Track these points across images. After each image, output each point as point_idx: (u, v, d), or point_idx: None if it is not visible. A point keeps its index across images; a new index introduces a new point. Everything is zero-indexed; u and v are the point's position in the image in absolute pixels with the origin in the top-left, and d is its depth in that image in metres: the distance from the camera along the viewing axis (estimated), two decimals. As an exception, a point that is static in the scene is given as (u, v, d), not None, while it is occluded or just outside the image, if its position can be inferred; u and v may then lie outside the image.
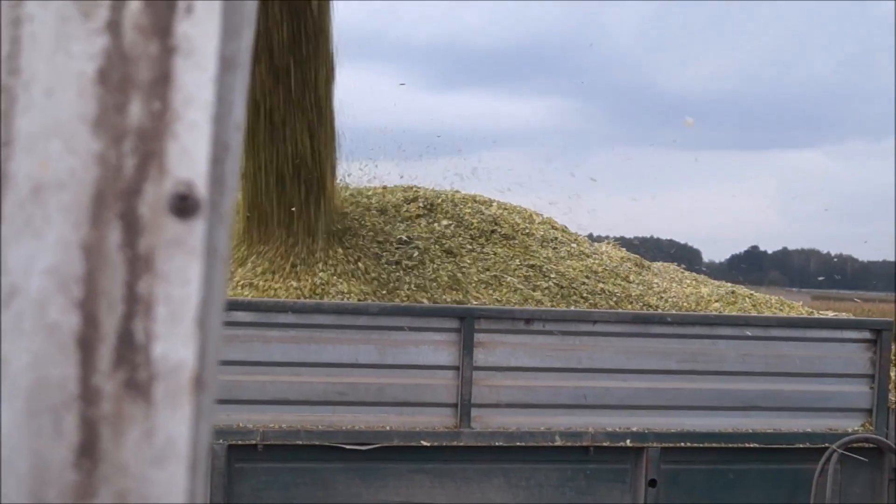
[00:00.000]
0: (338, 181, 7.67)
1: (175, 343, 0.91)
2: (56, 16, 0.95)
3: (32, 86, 0.94)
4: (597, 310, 6.99)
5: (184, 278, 0.92)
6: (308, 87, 7.07)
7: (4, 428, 0.91)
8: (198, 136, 0.94)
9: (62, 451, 0.90)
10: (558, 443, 5.89)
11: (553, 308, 7.01)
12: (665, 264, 9.06)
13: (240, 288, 6.94)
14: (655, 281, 8.21)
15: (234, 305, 5.49)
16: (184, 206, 0.92)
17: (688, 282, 8.55)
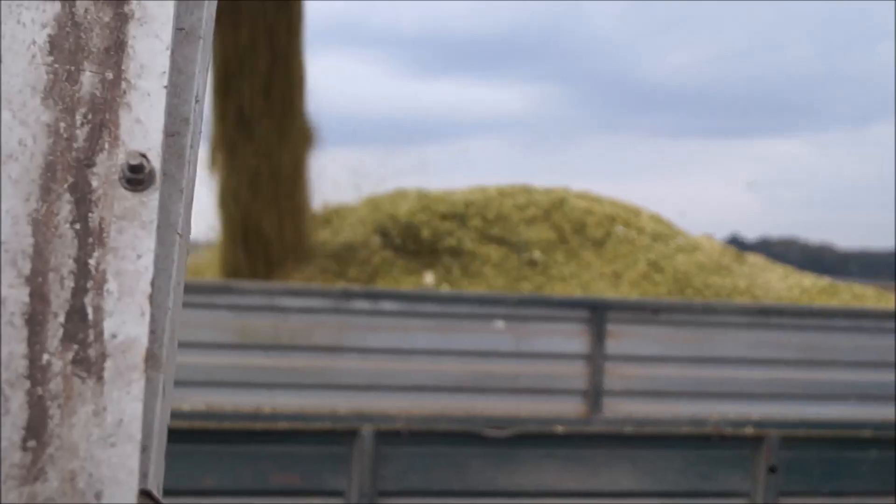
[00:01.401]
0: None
1: (126, 320, 0.89)
2: None
3: None
4: (720, 301, 7.17)
5: (136, 252, 0.90)
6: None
7: None
8: (152, 106, 0.91)
9: (9, 430, 0.86)
10: (683, 430, 6.06)
11: (680, 300, 7.20)
12: (755, 255, 9.21)
13: None
14: (754, 273, 8.37)
15: (380, 295, 5.69)
16: (136, 178, 0.90)
17: (779, 272, 8.70)
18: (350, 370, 5.58)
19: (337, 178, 8.12)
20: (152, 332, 0.90)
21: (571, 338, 5.90)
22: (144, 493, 0.90)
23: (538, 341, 5.86)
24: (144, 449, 0.89)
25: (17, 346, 0.87)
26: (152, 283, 0.89)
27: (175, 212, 0.94)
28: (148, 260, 0.89)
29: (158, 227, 0.91)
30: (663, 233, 8.31)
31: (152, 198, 0.90)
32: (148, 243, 0.89)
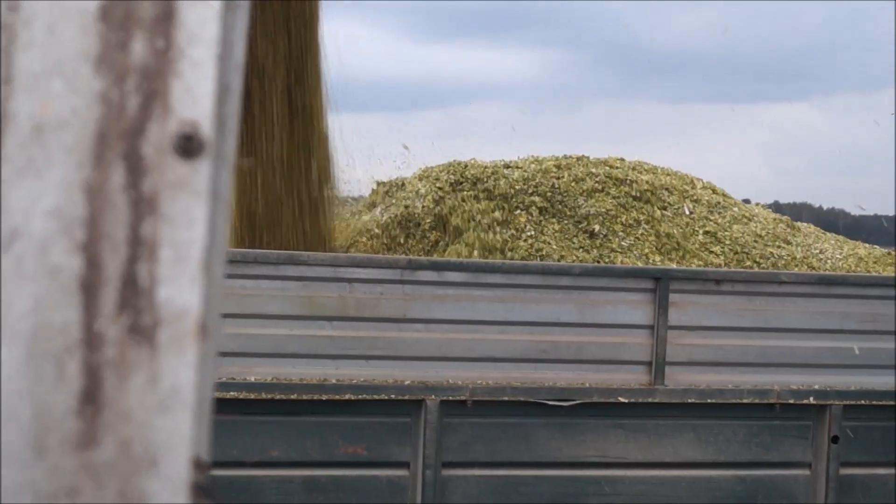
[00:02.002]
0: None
1: (180, 287, 0.89)
2: None
3: (33, 23, 0.91)
4: (783, 271, 7.14)
5: (189, 221, 0.90)
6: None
7: (5, 373, 0.88)
8: (202, 74, 0.91)
9: (64, 397, 0.87)
10: (746, 400, 6.04)
11: (742, 270, 7.18)
12: (807, 225, 9.16)
13: None
14: (808, 242, 8.33)
15: (445, 265, 5.69)
16: (188, 146, 0.90)
17: (832, 242, 8.65)
18: (415, 341, 5.58)
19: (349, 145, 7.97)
20: (204, 300, 0.90)
21: (635, 308, 5.89)
22: (196, 460, 0.91)
23: (602, 312, 5.85)
24: (196, 416, 0.90)
25: (71, 313, 0.88)
26: (204, 251, 0.90)
27: (221, 180, 0.94)
28: (200, 228, 0.89)
29: (209, 195, 0.91)
30: (718, 203, 8.28)
31: (203, 166, 0.90)
32: (200, 211, 0.90)
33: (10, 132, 0.90)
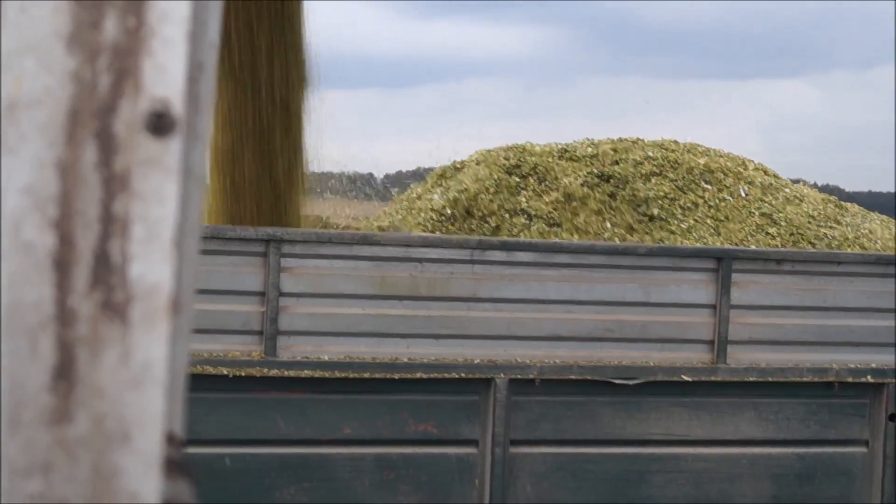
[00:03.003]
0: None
1: (152, 263, 0.90)
2: None
3: (6, 2, 0.92)
4: (841, 251, 7.23)
5: (160, 198, 0.91)
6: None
7: None
8: (174, 53, 0.92)
9: (38, 372, 0.88)
10: (805, 378, 6.12)
11: (801, 250, 7.27)
12: (851, 204, 9.23)
13: None
14: (857, 223, 8.42)
15: (514, 246, 5.79)
16: (160, 124, 0.91)
17: (878, 222, 8.73)
18: (484, 320, 5.67)
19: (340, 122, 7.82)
20: (176, 276, 0.91)
21: (697, 288, 5.97)
22: (169, 435, 0.92)
23: (665, 291, 5.94)
24: (169, 391, 0.91)
25: (44, 289, 0.89)
26: (176, 228, 0.90)
27: (193, 157, 0.95)
28: (172, 205, 0.90)
29: (181, 172, 0.92)
30: (771, 184, 8.37)
31: (175, 143, 0.91)
32: (172, 188, 0.90)
33: None
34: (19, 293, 0.88)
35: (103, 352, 0.89)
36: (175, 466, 0.92)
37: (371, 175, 12.26)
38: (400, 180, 12.19)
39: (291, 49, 7.22)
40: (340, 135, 7.73)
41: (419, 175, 9.98)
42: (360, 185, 11.21)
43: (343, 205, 10.10)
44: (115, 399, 0.88)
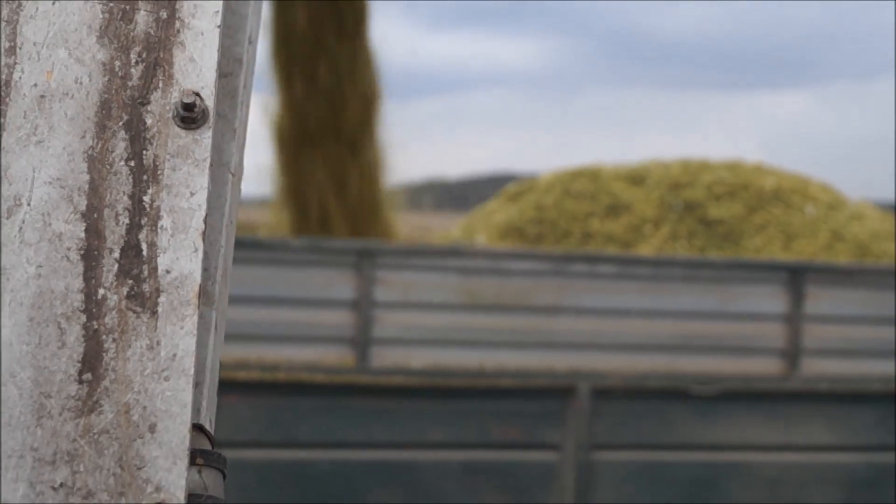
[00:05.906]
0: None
1: (180, 256, 0.90)
2: None
3: None
4: None
5: (190, 190, 0.91)
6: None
7: (6, 339, 0.88)
8: (205, 45, 0.92)
9: (65, 363, 0.88)
10: (875, 388, 6.29)
11: (871, 263, 7.46)
12: None
13: None
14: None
15: (596, 258, 6.01)
16: (190, 116, 0.91)
17: None
18: (567, 330, 5.88)
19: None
20: (205, 269, 0.91)
21: (772, 299, 6.16)
22: (197, 428, 0.92)
23: (740, 303, 6.13)
24: (197, 384, 0.91)
25: (73, 280, 0.89)
26: (205, 221, 0.91)
27: (228, 151, 0.96)
28: (201, 197, 0.91)
29: (211, 166, 0.92)
30: (834, 202, 8.58)
31: (205, 136, 0.91)
32: (201, 181, 0.91)
33: (15, 101, 0.91)
34: (47, 283, 0.89)
35: (131, 343, 0.88)
36: (203, 459, 0.92)
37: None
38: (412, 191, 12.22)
39: (365, 64, 7.46)
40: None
41: (434, 187, 10.05)
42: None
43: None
44: (141, 390, 0.88)
